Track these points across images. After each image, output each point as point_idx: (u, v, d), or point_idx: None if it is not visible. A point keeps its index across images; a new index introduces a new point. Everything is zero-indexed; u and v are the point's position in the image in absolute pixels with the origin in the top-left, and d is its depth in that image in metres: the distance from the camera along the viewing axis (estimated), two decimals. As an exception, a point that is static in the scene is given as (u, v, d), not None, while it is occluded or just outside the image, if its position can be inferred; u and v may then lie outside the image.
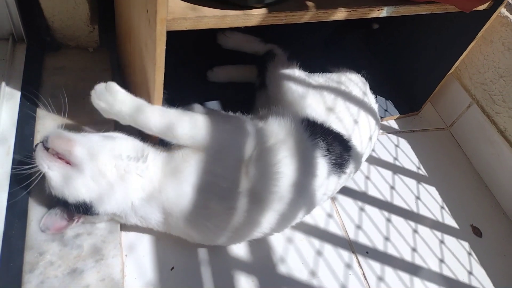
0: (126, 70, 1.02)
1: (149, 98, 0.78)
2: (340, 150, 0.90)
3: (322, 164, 0.86)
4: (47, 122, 0.90)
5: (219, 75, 1.18)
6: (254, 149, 0.82)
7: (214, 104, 1.14)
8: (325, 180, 0.88)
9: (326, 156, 0.87)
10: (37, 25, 0.98)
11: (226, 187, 0.78)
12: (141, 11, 0.71)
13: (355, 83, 1.06)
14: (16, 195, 0.77)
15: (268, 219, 0.82)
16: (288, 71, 1.01)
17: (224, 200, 0.78)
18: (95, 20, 1.02)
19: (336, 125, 0.92)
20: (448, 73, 1.20)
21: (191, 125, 0.77)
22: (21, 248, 0.72)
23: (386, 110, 1.30)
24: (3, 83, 0.90)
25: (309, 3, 0.77)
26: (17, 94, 0.89)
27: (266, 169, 0.80)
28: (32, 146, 0.85)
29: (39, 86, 0.96)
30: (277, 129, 0.86)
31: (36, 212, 0.77)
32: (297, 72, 1.01)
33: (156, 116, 0.75)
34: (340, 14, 0.80)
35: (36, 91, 0.94)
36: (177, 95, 1.04)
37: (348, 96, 1.00)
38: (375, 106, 1.07)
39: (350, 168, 0.94)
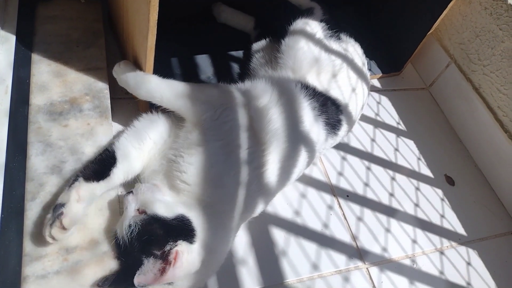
0: (118, 21, 1.04)
1: (142, 46, 0.81)
2: (334, 113, 0.96)
3: (317, 121, 0.92)
4: (42, 67, 0.93)
5: (220, 11, 1.26)
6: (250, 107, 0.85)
7: (203, 58, 1.17)
8: (323, 140, 0.94)
9: (320, 115, 0.92)
10: (29, -28, 0.99)
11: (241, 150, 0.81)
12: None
13: (357, 53, 1.10)
14: (16, 131, 0.80)
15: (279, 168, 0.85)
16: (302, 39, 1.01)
17: (247, 163, 0.80)
18: (87, -30, 1.04)
19: (335, 92, 0.97)
20: (428, 33, 1.25)
21: (166, 83, 0.83)
22: (22, 179, 0.76)
23: (369, 69, 1.35)
24: (-2, 27, 0.91)
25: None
26: (12, 38, 0.91)
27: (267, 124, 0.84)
28: (28, 88, 0.88)
29: (33, 34, 0.98)
30: (271, 87, 0.89)
31: (34, 147, 0.81)
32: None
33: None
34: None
35: (30, 37, 0.96)
36: (168, 47, 1.07)
37: (351, 66, 1.04)
38: (367, 71, 1.12)
39: (342, 131, 1.00)
